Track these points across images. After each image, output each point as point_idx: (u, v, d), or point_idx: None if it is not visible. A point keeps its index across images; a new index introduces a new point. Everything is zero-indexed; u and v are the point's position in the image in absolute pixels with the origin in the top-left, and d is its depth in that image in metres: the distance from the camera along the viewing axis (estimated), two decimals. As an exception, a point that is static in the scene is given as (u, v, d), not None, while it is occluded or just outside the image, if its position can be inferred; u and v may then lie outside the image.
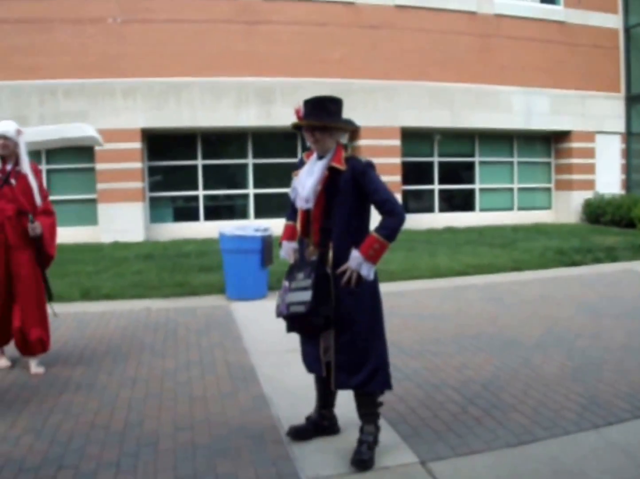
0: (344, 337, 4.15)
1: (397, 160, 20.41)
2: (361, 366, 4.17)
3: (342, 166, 4.11)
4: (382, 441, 4.36)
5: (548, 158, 23.67)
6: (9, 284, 6.28)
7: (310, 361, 4.37)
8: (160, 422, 4.89)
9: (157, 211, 20.10)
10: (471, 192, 22.76)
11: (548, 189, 23.71)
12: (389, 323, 7.88)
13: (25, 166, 6.34)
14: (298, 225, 4.32)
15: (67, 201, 18.57)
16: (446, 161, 22.36)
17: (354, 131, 20.09)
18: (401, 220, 4.10)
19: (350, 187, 4.08)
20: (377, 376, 4.23)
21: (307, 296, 4.02)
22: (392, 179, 19.37)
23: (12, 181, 6.26)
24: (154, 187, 20.01)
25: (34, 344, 6.32)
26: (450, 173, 22.56)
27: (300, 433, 4.47)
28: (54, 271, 12.43)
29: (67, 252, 15.51)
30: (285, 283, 4.25)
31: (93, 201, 18.84)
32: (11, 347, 6.52)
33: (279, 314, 4.24)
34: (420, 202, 22.02)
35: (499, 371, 5.99)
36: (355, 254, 4.04)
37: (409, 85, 20.45)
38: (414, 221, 20.17)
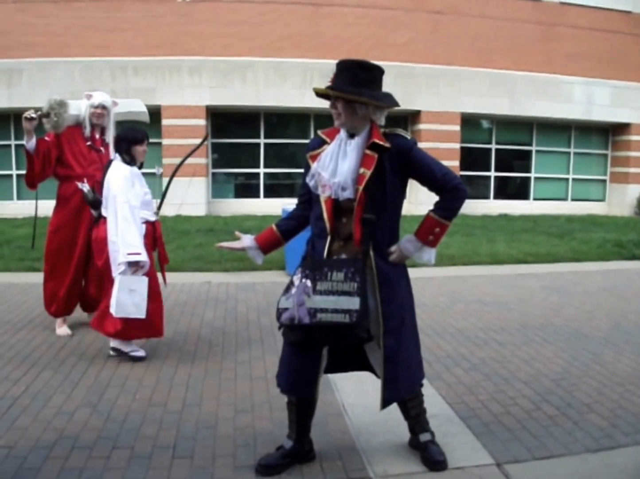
0: (392, 348, 3.43)
1: (457, 145, 19.89)
2: (408, 371, 3.56)
3: (386, 143, 3.31)
4: (453, 437, 3.96)
5: (605, 150, 22.83)
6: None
7: (300, 380, 3.46)
8: (219, 403, 4.52)
9: (218, 186, 19.86)
10: (526, 181, 22.08)
11: (603, 181, 22.90)
12: (453, 308, 7.55)
13: (111, 135, 6.40)
14: (325, 217, 3.38)
15: (133, 174, 18.39)
16: (503, 149, 21.70)
17: (414, 114, 19.60)
18: (465, 195, 3.45)
19: (394, 168, 3.35)
20: (419, 370, 3.70)
21: (353, 303, 3.14)
22: (450, 164, 18.77)
23: (102, 149, 6.34)
24: (216, 163, 19.76)
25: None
26: (507, 161, 21.90)
27: (273, 468, 3.53)
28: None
29: (131, 223, 15.35)
30: (306, 282, 3.26)
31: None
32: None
33: (288, 319, 3.23)
34: (475, 189, 21.39)
35: (570, 367, 5.49)
36: (410, 238, 3.43)
37: (470, 71, 19.84)
38: (469, 207, 19.61)
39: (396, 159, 3.34)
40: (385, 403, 3.50)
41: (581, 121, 21.53)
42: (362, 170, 3.30)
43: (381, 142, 3.31)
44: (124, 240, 5.16)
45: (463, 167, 20.26)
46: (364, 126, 3.38)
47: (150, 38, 18.45)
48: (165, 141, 18.46)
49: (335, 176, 3.36)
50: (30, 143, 6.00)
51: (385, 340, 3.40)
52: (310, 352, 3.42)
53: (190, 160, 19.34)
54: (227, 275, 9.52)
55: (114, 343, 5.51)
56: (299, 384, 3.48)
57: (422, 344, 5.90)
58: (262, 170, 19.81)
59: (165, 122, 18.40)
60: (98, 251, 5.51)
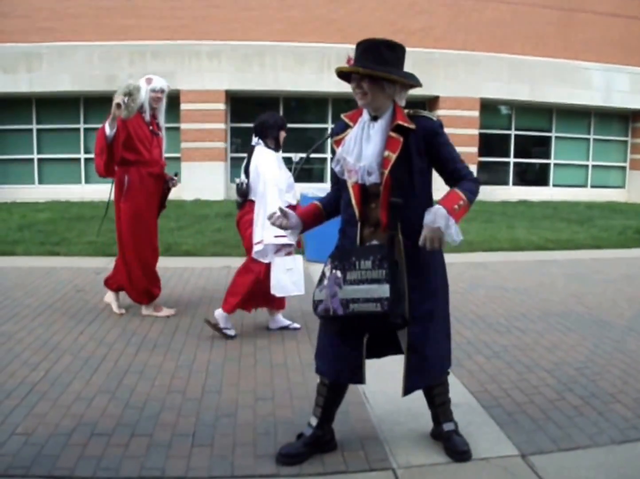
0: (417, 336, 3.29)
1: (475, 131, 19.70)
2: (435, 358, 3.41)
3: (411, 125, 3.18)
4: (477, 427, 3.86)
5: (625, 137, 22.57)
6: None
7: (344, 367, 3.35)
8: (239, 390, 4.43)
9: (238, 171, 19.68)
10: (546, 167, 21.86)
11: (622, 168, 22.65)
12: (473, 294, 7.43)
13: (163, 119, 6.42)
14: (354, 203, 3.26)
15: (152, 159, 18.35)
16: (522, 135, 21.47)
17: (432, 100, 19.42)
18: (479, 187, 3.30)
19: (419, 150, 3.21)
20: (445, 360, 3.57)
21: (383, 291, 3.05)
22: (469, 150, 18.71)
23: (159, 133, 6.36)
24: (235, 148, 19.68)
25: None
26: (526, 147, 21.67)
27: (294, 457, 3.45)
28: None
29: (150, 207, 15.35)
30: (336, 273, 3.18)
31: (177, 160, 18.60)
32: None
33: (323, 311, 3.19)
34: (495, 175, 21.19)
35: (593, 355, 5.36)
36: (438, 209, 3.09)
37: (489, 57, 19.62)
38: (488, 193, 19.53)
39: (422, 140, 3.21)
40: (407, 391, 3.39)
41: (601, 107, 21.27)
42: (386, 153, 3.18)
43: (406, 124, 3.18)
44: None
45: (482, 153, 20.08)
46: (387, 107, 3.25)
47: (169, 22, 18.36)
48: (183, 125, 18.43)
49: (360, 161, 3.23)
50: (114, 130, 5.87)
51: (411, 328, 3.28)
52: (352, 339, 3.30)
53: (207, 144, 19.32)
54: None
55: (219, 317, 5.67)
56: (345, 371, 3.37)
57: (443, 331, 5.87)
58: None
59: (184, 106, 18.35)
60: (243, 232, 5.81)
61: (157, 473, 3.30)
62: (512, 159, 21.35)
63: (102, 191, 19.71)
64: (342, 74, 3.27)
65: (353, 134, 3.31)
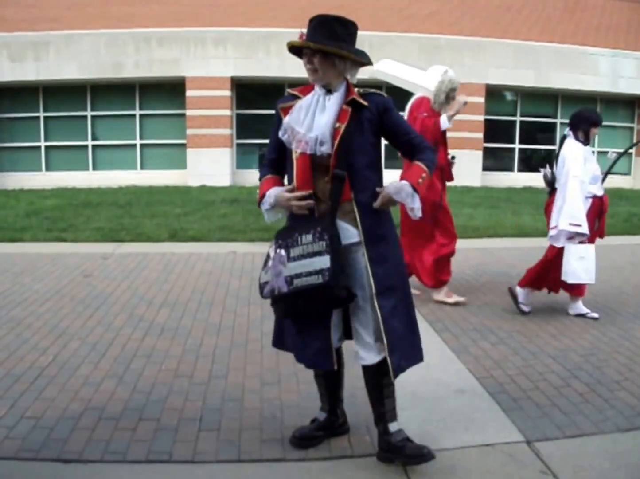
0: (388, 307, 3.15)
1: (481, 117, 19.60)
2: (411, 337, 3.26)
3: (364, 102, 3.13)
4: (483, 412, 3.87)
5: (631, 123, 22.41)
6: None
7: (314, 353, 3.26)
8: (245, 375, 4.45)
9: (243, 157, 19.75)
10: (551, 154, 21.74)
11: (628, 155, 22.49)
12: (479, 281, 7.42)
13: None
14: (295, 175, 3.18)
15: (158, 145, 18.39)
16: (528, 121, 21.38)
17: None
18: (436, 155, 3.36)
19: (373, 126, 3.16)
20: (419, 345, 3.35)
21: (324, 262, 2.97)
22: (474, 136, 18.65)
23: None
24: (241, 134, 19.64)
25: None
26: (532, 133, 21.56)
27: (308, 440, 3.47)
28: (144, 212, 12.23)
29: (157, 194, 15.42)
30: (280, 252, 3.12)
31: (183, 146, 18.62)
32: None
33: (269, 292, 3.12)
34: (500, 161, 21.12)
35: (599, 342, 5.35)
36: (404, 185, 3.10)
37: (495, 43, 19.51)
38: (494, 179, 19.50)
39: (376, 116, 3.16)
40: (395, 371, 3.19)
41: (607, 93, 21.11)
42: (337, 124, 3.12)
43: (360, 100, 3.14)
44: (569, 210, 5.63)
45: (487, 139, 20.00)
46: (339, 83, 3.18)
47: (174, 9, 18.32)
48: (189, 112, 18.40)
49: (312, 131, 3.13)
50: (449, 125, 6.15)
51: (380, 301, 3.14)
52: (316, 323, 3.23)
53: (213, 131, 19.26)
54: (252, 245, 9.44)
55: (519, 292, 6.18)
56: (310, 357, 3.30)
57: (448, 317, 5.93)
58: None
59: (189, 93, 18.31)
60: (548, 218, 6.09)
61: (164, 456, 3.32)
62: (517, 145, 21.26)
63: (109, 178, 19.66)
64: (294, 50, 3.21)
65: (304, 104, 3.20)
